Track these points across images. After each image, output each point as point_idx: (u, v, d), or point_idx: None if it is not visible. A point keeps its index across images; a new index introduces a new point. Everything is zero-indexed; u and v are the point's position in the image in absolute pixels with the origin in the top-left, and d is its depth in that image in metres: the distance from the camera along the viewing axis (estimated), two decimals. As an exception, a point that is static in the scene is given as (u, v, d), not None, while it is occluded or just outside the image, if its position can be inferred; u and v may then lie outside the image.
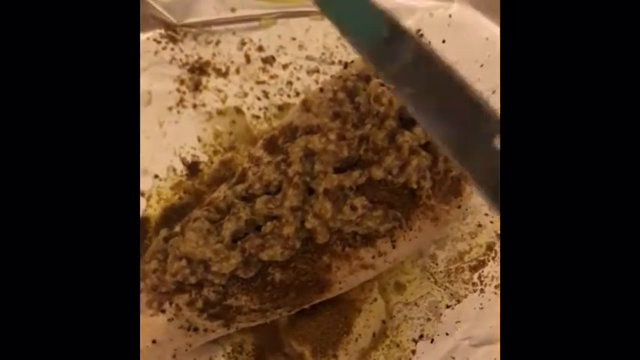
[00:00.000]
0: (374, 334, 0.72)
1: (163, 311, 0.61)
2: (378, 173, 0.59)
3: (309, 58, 0.82)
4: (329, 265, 0.62)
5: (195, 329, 0.62)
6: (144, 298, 0.61)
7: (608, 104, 0.46)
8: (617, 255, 0.43)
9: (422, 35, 0.82)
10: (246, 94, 0.82)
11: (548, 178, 0.45)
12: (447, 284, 0.76)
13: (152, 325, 0.61)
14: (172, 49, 0.82)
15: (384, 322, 0.74)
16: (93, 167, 0.46)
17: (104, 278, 0.44)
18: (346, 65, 0.76)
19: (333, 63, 0.82)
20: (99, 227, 0.45)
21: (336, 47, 0.83)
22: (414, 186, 0.59)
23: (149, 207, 0.78)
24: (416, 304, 0.75)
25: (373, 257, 0.62)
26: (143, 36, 0.82)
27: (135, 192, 0.50)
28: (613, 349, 0.42)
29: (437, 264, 0.77)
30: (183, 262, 0.59)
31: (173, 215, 0.77)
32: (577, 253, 0.43)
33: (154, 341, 0.62)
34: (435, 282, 0.76)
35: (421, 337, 0.75)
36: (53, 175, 0.45)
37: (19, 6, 0.46)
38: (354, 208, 0.58)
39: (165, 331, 0.61)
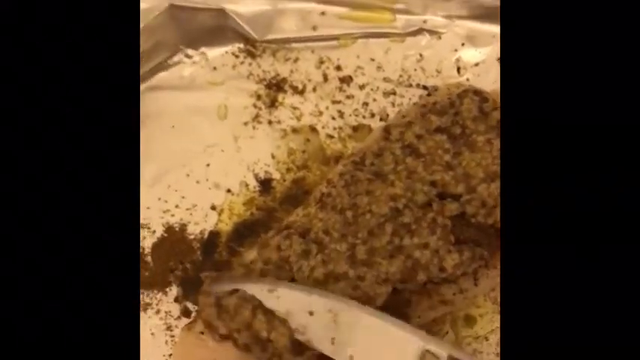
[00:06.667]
0: (443, 369, 0.71)
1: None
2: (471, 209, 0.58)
3: (386, 79, 0.81)
4: (409, 299, 0.61)
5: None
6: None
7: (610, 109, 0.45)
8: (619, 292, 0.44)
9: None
10: (321, 113, 0.81)
11: (551, 192, 0.45)
12: (518, 320, 0.74)
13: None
14: (250, 64, 0.82)
15: (452, 355, 0.73)
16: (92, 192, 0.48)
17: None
18: (429, 93, 0.75)
19: (410, 86, 0.81)
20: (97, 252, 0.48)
21: (414, 70, 0.81)
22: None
23: (221, 221, 0.79)
24: (486, 338, 0.74)
25: (454, 294, 0.61)
26: (222, 49, 0.83)
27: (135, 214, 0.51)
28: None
29: (509, 298, 0.75)
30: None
31: (245, 231, 0.78)
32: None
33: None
34: (507, 317, 0.74)
35: (490, 372, 0.73)
36: (52, 194, 0.48)
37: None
38: (443, 270, 0.58)
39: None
